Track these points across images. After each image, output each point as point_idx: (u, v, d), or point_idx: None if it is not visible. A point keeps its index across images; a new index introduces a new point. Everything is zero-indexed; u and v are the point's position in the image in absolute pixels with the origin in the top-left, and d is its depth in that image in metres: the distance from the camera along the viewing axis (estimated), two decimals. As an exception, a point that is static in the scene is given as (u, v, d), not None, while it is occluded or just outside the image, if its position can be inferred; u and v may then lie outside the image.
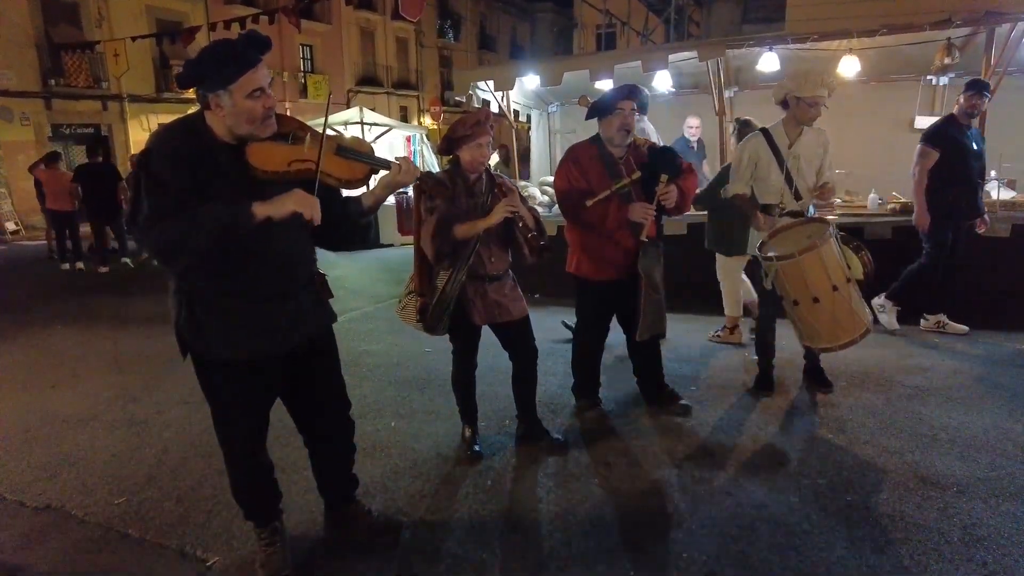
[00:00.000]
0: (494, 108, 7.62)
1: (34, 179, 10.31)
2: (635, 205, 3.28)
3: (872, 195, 5.82)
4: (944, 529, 2.56)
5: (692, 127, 6.76)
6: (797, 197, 3.73)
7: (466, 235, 2.94)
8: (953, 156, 4.68)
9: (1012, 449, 3.17)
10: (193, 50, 12.10)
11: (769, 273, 3.47)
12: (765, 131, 3.80)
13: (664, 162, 3.29)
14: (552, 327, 5.28)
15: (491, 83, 7.23)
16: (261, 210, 1.99)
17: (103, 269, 9.53)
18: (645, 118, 5.11)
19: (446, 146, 3.04)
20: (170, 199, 1.94)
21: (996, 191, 5.37)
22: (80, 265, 9.76)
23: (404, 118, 26.16)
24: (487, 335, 3.23)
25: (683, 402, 3.76)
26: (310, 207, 2.02)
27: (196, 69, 1.98)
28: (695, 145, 6.86)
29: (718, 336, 5.03)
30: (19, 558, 2.64)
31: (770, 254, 3.43)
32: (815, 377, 4.04)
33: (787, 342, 4.08)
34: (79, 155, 16.20)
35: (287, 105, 21.24)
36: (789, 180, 3.71)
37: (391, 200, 10.82)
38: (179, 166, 1.97)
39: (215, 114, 2.02)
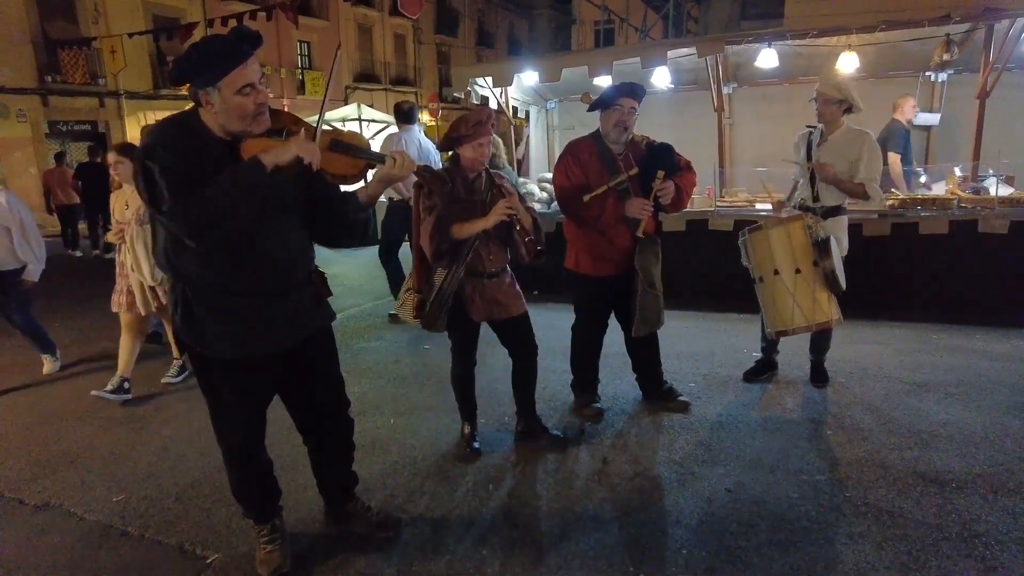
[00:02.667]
0: (492, 104, 7.61)
1: (43, 184, 11.65)
2: (632, 201, 3.27)
3: (871, 191, 5.80)
4: (943, 525, 2.56)
5: (910, 107, 5.88)
6: (815, 197, 3.76)
7: (464, 235, 2.94)
8: None
9: (1010, 445, 3.18)
10: (190, 47, 12.03)
11: (744, 250, 3.69)
12: (813, 128, 3.88)
13: (661, 158, 3.29)
14: (552, 324, 5.28)
15: (489, 79, 7.21)
16: (268, 159, 1.98)
17: (96, 252, 10.88)
18: (414, 127, 5.76)
19: (447, 143, 3.05)
20: (185, 181, 1.93)
21: (995, 187, 5.37)
22: (79, 253, 11.07)
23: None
24: (488, 331, 3.23)
25: (682, 398, 3.77)
26: (310, 152, 2.01)
27: (185, 66, 1.97)
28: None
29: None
30: (18, 556, 2.64)
31: (745, 229, 3.68)
32: (814, 373, 4.05)
33: (787, 340, 4.07)
34: (77, 151, 16.17)
35: (284, 102, 21.16)
36: (813, 179, 3.77)
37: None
38: (180, 155, 1.96)
39: (207, 110, 2.02)
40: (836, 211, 3.78)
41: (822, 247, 3.42)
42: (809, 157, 3.80)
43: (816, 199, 3.77)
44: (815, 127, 3.85)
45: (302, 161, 1.99)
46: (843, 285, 3.48)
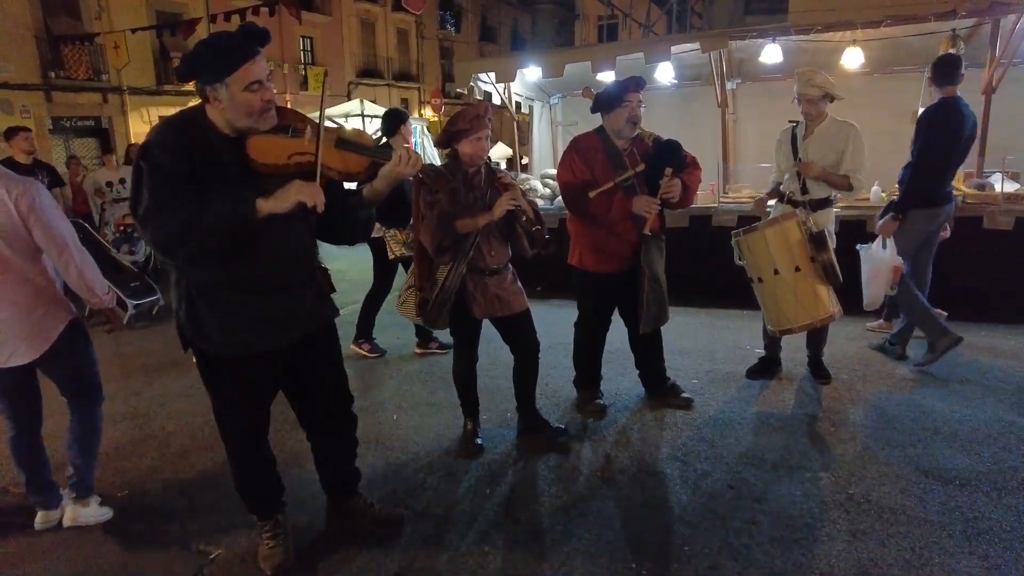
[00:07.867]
0: (496, 100, 7.59)
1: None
2: (639, 198, 3.26)
3: (875, 187, 5.79)
4: (946, 522, 2.56)
5: None
6: (804, 190, 3.79)
7: (467, 229, 2.93)
8: None
9: (1015, 442, 3.17)
10: (193, 42, 12.06)
11: (737, 249, 3.68)
12: (796, 124, 3.88)
13: (669, 155, 3.27)
14: (554, 320, 5.28)
15: (492, 75, 7.19)
16: (265, 207, 1.97)
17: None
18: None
19: (444, 139, 3.02)
20: (171, 188, 1.92)
21: (999, 184, 5.34)
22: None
23: (405, 110, 26.04)
24: (490, 328, 3.22)
25: (685, 395, 3.77)
26: (312, 195, 2.00)
27: (193, 62, 1.97)
28: None
29: None
30: (24, 550, 2.66)
31: (739, 230, 3.66)
32: (816, 370, 4.04)
33: (790, 337, 4.06)
34: (80, 148, 16.16)
35: (287, 97, 21.13)
36: (799, 172, 3.80)
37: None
38: (179, 157, 1.96)
39: (214, 107, 2.01)
40: (824, 203, 3.81)
41: (818, 241, 3.44)
42: (795, 152, 3.82)
43: (805, 191, 3.79)
44: (798, 122, 3.87)
45: (305, 205, 1.98)
46: (841, 278, 3.48)
